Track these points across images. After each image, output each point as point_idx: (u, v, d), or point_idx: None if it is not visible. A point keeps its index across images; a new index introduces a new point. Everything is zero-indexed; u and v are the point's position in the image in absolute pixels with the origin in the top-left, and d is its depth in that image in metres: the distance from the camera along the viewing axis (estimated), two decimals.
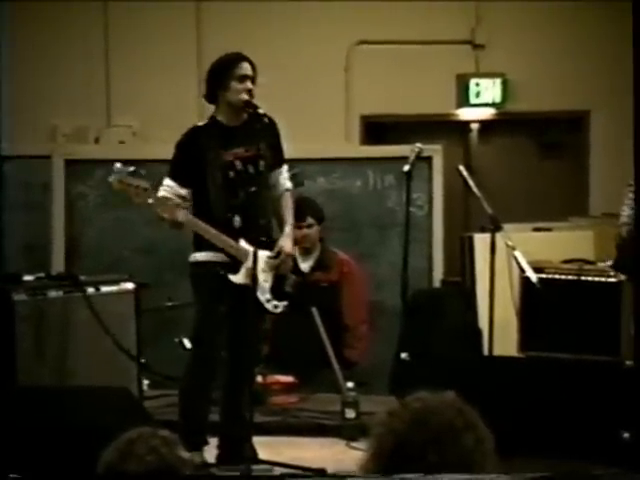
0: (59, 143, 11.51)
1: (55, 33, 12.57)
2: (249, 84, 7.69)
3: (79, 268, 10.06)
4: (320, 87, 12.80)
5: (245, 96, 7.67)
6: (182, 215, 7.59)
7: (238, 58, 7.75)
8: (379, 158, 10.96)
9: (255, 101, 7.67)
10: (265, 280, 7.81)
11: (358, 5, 12.93)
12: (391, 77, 12.75)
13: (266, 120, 7.72)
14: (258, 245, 7.61)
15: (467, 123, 12.90)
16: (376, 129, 13.08)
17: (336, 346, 9.24)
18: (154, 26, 12.89)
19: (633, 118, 5.00)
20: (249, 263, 7.59)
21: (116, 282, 9.47)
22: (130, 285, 9.45)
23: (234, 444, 7.86)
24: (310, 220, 9.53)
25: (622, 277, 8.75)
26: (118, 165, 7.64)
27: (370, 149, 12.02)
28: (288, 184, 8.01)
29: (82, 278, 9.22)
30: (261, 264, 7.73)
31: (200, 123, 7.89)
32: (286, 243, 7.87)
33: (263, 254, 7.74)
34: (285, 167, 7.97)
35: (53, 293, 9.21)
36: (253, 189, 7.71)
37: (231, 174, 7.73)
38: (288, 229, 7.92)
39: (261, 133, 7.71)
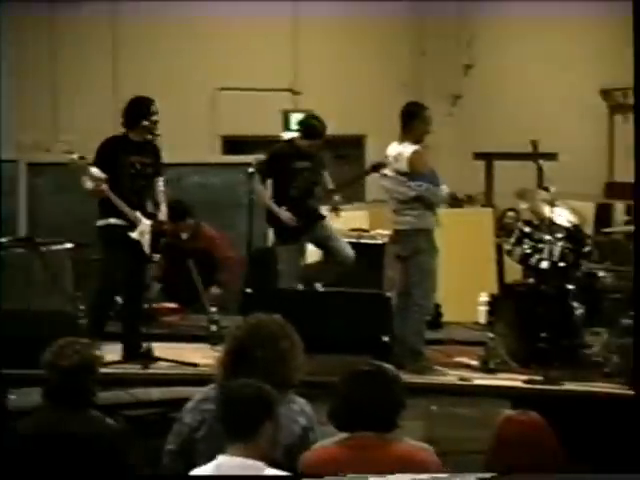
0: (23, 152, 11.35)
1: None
2: (155, 118, 7.82)
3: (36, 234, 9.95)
4: (197, 117, 12.69)
5: (152, 130, 7.86)
6: (104, 187, 7.71)
7: (150, 102, 7.90)
8: (233, 163, 11.03)
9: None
10: (147, 239, 7.92)
11: (221, 59, 12.81)
12: (242, 112, 12.65)
13: (154, 143, 7.96)
14: (146, 217, 7.92)
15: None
16: (233, 144, 12.99)
17: (213, 276, 9.39)
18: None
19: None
20: (141, 227, 7.84)
21: (60, 243, 9.37)
22: (69, 245, 9.36)
23: (133, 347, 7.86)
24: (188, 220, 9.58)
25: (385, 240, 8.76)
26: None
27: (228, 157, 12.01)
28: (162, 186, 8.13)
29: (37, 240, 9.18)
30: (146, 227, 7.88)
31: (118, 134, 7.99)
32: (162, 217, 8.05)
33: (147, 222, 7.90)
34: (162, 179, 8.12)
35: (18, 250, 9.12)
36: (143, 183, 7.96)
37: (133, 171, 7.89)
38: (163, 208, 8.09)
39: (152, 152, 7.99)
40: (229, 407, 4.12)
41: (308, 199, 8.55)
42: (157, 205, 8.06)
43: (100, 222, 7.90)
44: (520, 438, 4.15)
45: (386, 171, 8.13)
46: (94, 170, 7.72)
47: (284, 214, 8.42)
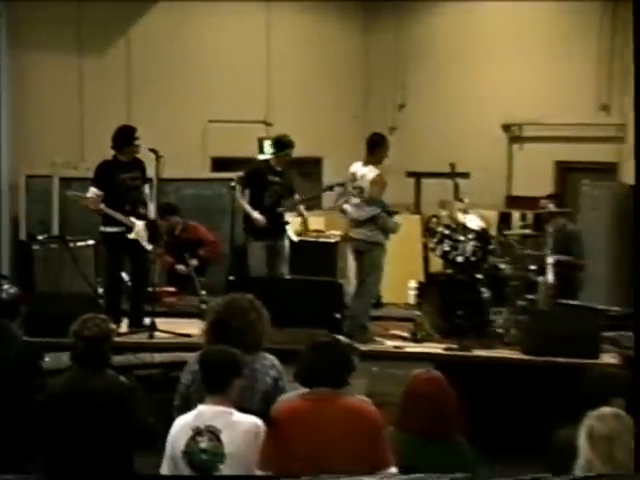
0: (56, 169, 11.17)
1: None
2: (137, 142, 7.73)
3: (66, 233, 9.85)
4: (192, 142, 12.57)
5: (135, 152, 7.78)
6: (102, 205, 7.66)
7: (133, 130, 7.82)
8: (220, 179, 10.89)
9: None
10: (143, 235, 7.79)
11: (211, 97, 12.71)
12: (227, 139, 12.56)
13: (139, 160, 7.87)
14: (139, 219, 7.84)
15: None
16: (220, 164, 12.87)
17: (195, 252, 9.29)
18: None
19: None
20: (136, 228, 7.75)
21: (84, 240, 9.31)
22: (92, 241, 9.29)
23: (137, 321, 7.83)
24: (177, 217, 9.41)
25: (338, 239, 8.71)
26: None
27: (216, 174, 11.93)
28: (147, 190, 8.05)
29: (67, 237, 9.09)
30: (142, 228, 7.73)
31: (109, 158, 7.90)
32: (151, 215, 7.99)
33: (142, 223, 7.81)
34: (147, 185, 8.02)
35: (52, 245, 9.03)
36: (135, 194, 7.84)
37: (124, 185, 7.78)
38: (151, 207, 8.03)
39: (138, 167, 7.81)
40: (206, 367, 4.15)
41: (277, 207, 8.51)
42: (146, 206, 8.02)
43: (102, 228, 7.85)
44: (424, 391, 4.18)
45: (337, 189, 8.22)
46: (92, 190, 7.67)
47: (258, 217, 8.35)
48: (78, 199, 7.96)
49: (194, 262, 9.29)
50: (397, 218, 8.13)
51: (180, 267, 9.20)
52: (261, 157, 11.98)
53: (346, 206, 8.17)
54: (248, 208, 8.41)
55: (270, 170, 8.52)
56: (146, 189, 8.04)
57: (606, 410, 3.80)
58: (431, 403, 4.16)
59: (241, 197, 8.46)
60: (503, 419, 6.40)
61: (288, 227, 8.95)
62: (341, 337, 4.43)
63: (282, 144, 8.57)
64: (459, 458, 4.18)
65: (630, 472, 3.65)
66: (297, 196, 8.78)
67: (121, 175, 7.74)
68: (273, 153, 8.62)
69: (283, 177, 8.58)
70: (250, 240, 8.51)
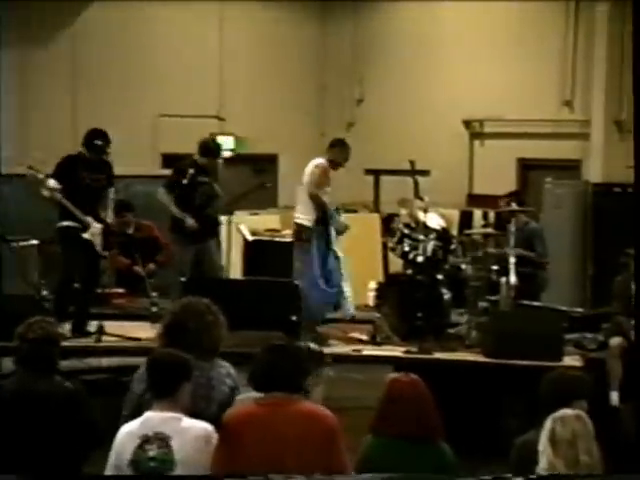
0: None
1: None
2: (101, 143, 7.70)
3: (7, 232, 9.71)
4: (142, 138, 12.50)
5: (100, 152, 7.71)
6: (59, 196, 7.53)
7: (103, 133, 7.77)
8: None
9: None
10: (98, 240, 7.71)
11: (161, 90, 12.67)
12: (178, 134, 12.51)
13: (107, 161, 7.81)
14: (97, 221, 7.72)
15: None
16: (170, 160, 12.75)
17: (153, 257, 9.24)
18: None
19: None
20: (92, 229, 7.65)
21: (27, 239, 9.25)
22: (35, 241, 9.25)
23: (81, 327, 7.73)
24: (128, 215, 9.34)
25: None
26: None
27: (166, 171, 11.81)
28: (111, 195, 7.98)
29: (8, 237, 9.06)
30: (97, 229, 7.65)
31: (73, 153, 7.81)
32: (109, 220, 7.89)
33: (99, 226, 7.71)
34: (112, 189, 7.95)
35: None
36: (96, 195, 7.78)
37: (85, 183, 7.69)
38: (110, 213, 7.93)
39: (104, 168, 7.80)
40: (154, 371, 4.12)
41: (207, 208, 8.41)
42: (106, 210, 7.94)
43: (59, 224, 7.76)
44: (406, 394, 4.23)
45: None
46: (51, 181, 7.57)
47: (188, 220, 8.24)
48: (35, 180, 7.72)
49: (152, 267, 9.25)
50: (346, 217, 8.15)
51: (138, 269, 9.10)
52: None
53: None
54: (177, 211, 8.28)
55: (198, 169, 8.38)
56: (110, 193, 7.95)
57: (568, 412, 3.84)
58: (414, 405, 4.23)
59: (167, 199, 8.34)
60: (464, 423, 6.43)
61: (241, 226, 8.97)
62: (300, 342, 4.43)
63: (207, 150, 8.45)
64: (440, 461, 4.22)
65: (599, 473, 3.71)
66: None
67: (83, 173, 7.67)
68: (200, 157, 8.46)
69: (212, 177, 8.50)
70: (178, 244, 8.40)
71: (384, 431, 4.25)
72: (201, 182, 8.38)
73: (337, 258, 8.08)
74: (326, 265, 8.01)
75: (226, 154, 12.51)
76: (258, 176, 12.91)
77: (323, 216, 7.97)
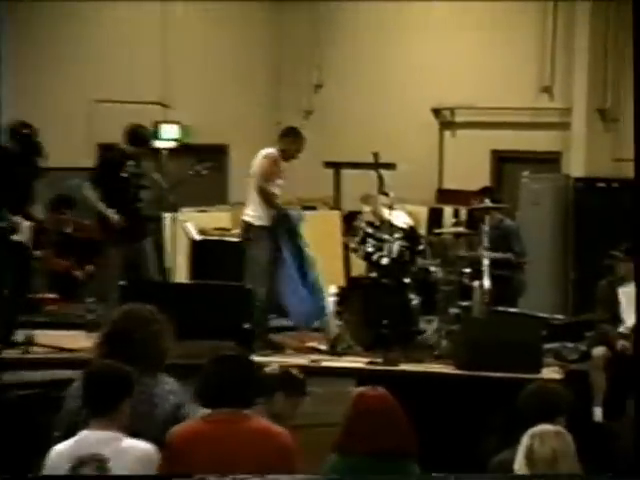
0: None
1: None
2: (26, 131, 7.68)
3: None
4: (76, 127, 12.40)
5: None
6: None
7: (28, 125, 7.77)
8: None
9: None
10: (28, 238, 7.64)
11: (98, 74, 12.61)
12: (116, 122, 12.41)
13: (34, 151, 7.82)
14: (27, 219, 7.73)
15: (158, 150, 12.58)
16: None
17: (92, 258, 9.21)
18: None
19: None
20: (22, 229, 7.65)
21: None
22: None
23: (7, 338, 7.66)
24: (67, 213, 9.35)
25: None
26: None
27: None
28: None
29: None
30: (27, 229, 7.66)
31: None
32: (39, 215, 7.95)
33: (27, 223, 7.71)
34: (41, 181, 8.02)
35: None
36: (25, 188, 7.89)
37: (14, 179, 7.67)
38: (37, 207, 7.97)
39: (31, 158, 7.78)
40: (92, 385, 4.09)
41: (137, 203, 8.31)
42: (33, 205, 7.88)
43: None
44: (374, 409, 4.26)
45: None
46: None
47: (114, 216, 8.12)
48: None
49: (90, 269, 9.19)
50: (300, 213, 8.19)
51: (78, 273, 9.04)
52: (157, 143, 11.93)
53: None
54: (102, 207, 8.15)
55: (126, 160, 8.27)
56: (38, 186, 7.88)
57: (547, 428, 3.88)
58: (384, 420, 4.26)
59: (92, 194, 8.22)
60: (434, 441, 6.47)
61: (187, 225, 8.93)
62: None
63: (135, 138, 8.31)
64: (409, 478, 4.26)
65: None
66: (164, 185, 8.63)
67: (13, 168, 7.60)
68: (128, 145, 8.32)
69: (141, 167, 8.41)
70: (107, 245, 8.29)
71: (351, 449, 4.27)
72: (134, 174, 8.27)
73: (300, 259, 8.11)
74: (301, 267, 8.06)
75: (170, 144, 12.55)
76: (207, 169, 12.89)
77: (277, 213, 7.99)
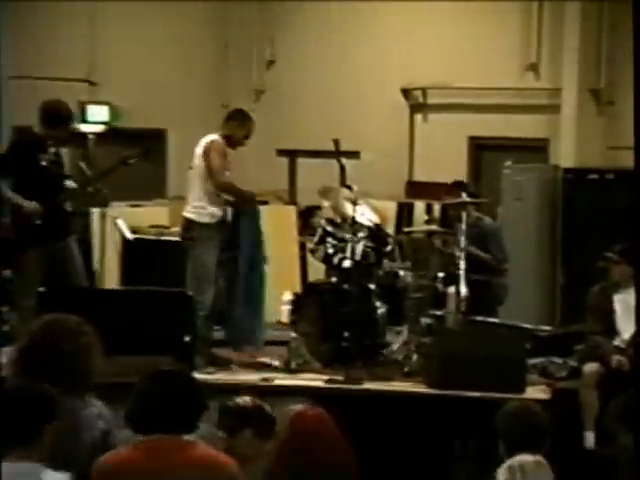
0: None
1: None
2: None
3: None
4: None
5: None
6: None
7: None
8: None
9: None
10: None
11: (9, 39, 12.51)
12: (34, 102, 12.32)
13: None
14: None
15: (84, 134, 12.49)
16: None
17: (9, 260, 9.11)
18: None
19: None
20: None
21: None
22: None
23: None
24: None
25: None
26: None
27: None
28: None
29: None
30: None
31: None
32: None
33: None
34: None
35: None
36: None
37: None
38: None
39: None
40: (7, 410, 4.01)
41: (58, 195, 8.04)
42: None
43: None
44: (311, 429, 4.29)
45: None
46: None
47: (29, 206, 7.81)
48: None
49: (7, 273, 9.12)
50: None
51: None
52: (83, 127, 11.87)
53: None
54: (15, 198, 7.87)
55: (42, 144, 8.00)
56: None
57: (526, 459, 3.89)
58: (316, 443, 4.27)
59: (3, 185, 7.90)
60: (402, 468, 6.50)
61: (119, 222, 8.88)
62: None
63: (54, 116, 8.02)
64: None
65: None
66: (89, 172, 8.58)
67: None
68: (46, 126, 8.09)
69: (58, 155, 8.24)
70: (23, 245, 8.00)
71: (286, 474, 4.28)
72: (53, 162, 8.10)
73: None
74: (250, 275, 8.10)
75: (98, 128, 12.49)
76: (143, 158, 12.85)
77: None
